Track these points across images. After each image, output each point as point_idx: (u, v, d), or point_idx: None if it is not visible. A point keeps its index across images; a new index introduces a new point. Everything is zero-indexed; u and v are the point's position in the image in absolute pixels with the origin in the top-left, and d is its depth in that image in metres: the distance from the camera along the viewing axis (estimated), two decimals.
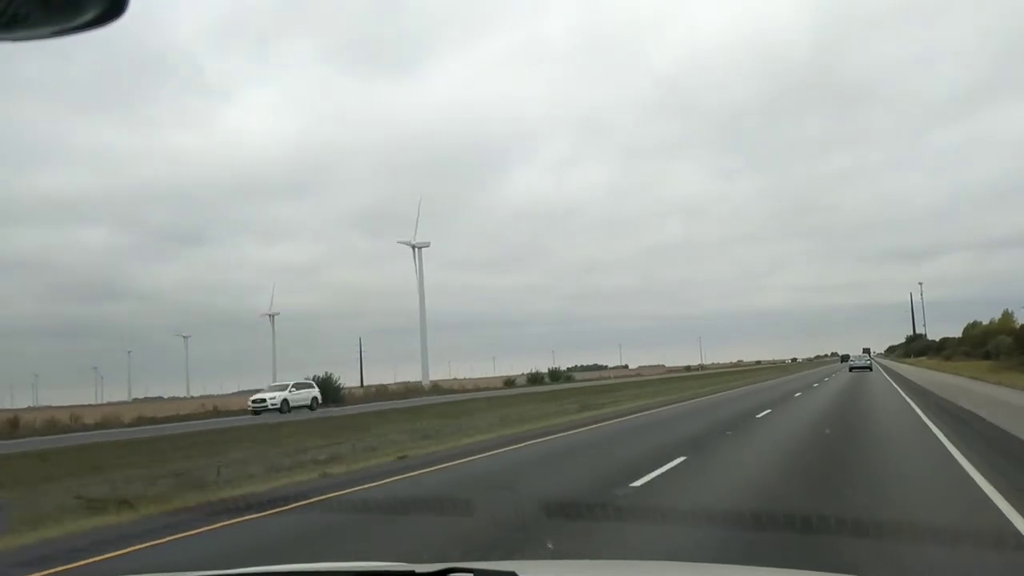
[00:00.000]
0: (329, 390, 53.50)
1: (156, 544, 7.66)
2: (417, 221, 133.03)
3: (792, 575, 2.25)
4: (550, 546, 6.04)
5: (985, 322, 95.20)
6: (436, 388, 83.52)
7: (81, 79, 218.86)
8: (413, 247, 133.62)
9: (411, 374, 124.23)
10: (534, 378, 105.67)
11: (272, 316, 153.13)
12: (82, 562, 7.00)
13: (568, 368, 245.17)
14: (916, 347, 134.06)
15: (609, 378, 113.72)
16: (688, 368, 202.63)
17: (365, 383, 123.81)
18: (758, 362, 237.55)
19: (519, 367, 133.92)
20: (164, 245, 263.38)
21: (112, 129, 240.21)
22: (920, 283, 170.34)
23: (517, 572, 1.71)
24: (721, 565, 2.65)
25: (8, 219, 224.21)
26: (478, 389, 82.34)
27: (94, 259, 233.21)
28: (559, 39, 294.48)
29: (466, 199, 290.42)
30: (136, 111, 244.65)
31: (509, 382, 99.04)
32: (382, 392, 75.36)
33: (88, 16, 0.96)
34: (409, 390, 77.71)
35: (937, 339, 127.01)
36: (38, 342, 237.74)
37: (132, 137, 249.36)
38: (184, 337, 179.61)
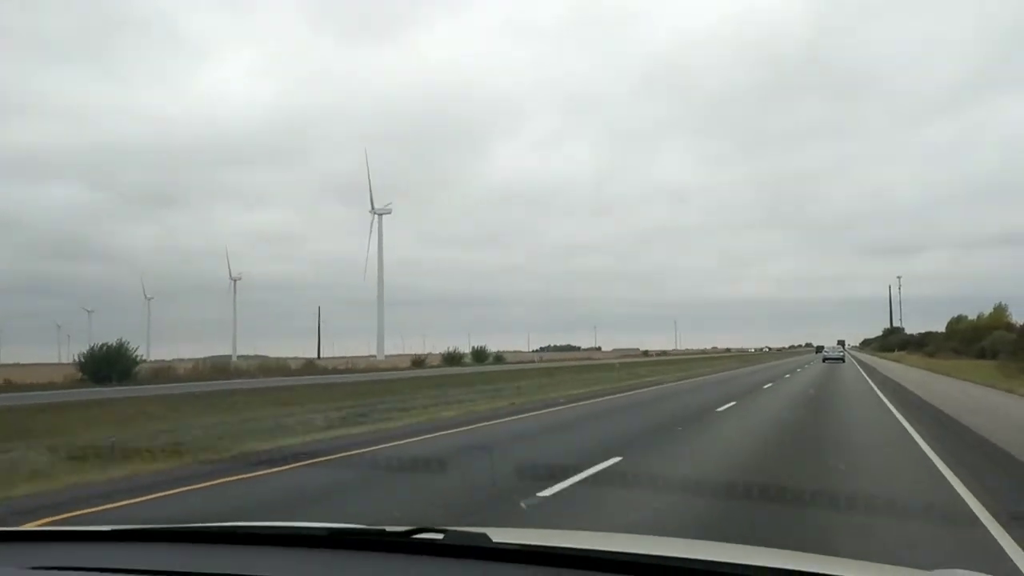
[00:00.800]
0: (114, 362, 42.17)
1: None
2: (370, 185, 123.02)
3: (757, 552, 2.04)
4: (523, 505, 6.94)
5: (972, 317, 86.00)
6: (324, 368, 72.49)
7: (53, 31, 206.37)
8: (373, 214, 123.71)
9: (389, 348, 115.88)
10: (451, 358, 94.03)
11: (234, 281, 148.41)
12: None
13: (541, 348, 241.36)
14: (894, 341, 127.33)
15: (548, 361, 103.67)
16: (646, 353, 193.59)
17: (340, 356, 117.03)
18: (727, 350, 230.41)
19: (495, 345, 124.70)
20: (137, 206, 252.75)
21: (84, 84, 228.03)
22: (899, 276, 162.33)
23: (488, 535, 1.75)
24: (694, 540, 2.17)
25: None
26: (376, 369, 73.54)
27: (65, 217, 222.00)
28: (549, 11, 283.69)
29: (447, 173, 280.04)
30: (109, 67, 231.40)
31: (418, 362, 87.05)
32: (265, 368, 64.30)
33: None
34: (269, 367, 67.40)
35: (915, 334, 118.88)
36: (5, 299, 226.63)
37: (104, 93, 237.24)
38: (148, 299, 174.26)
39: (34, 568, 1.78)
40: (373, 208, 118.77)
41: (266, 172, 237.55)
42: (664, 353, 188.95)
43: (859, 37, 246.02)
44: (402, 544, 1.83)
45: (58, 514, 7.51)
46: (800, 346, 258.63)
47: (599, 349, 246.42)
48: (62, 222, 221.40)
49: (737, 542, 2.20)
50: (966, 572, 1.83)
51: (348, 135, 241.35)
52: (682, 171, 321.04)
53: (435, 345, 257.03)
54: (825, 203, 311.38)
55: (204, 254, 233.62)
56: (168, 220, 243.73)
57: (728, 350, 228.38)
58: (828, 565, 1.72)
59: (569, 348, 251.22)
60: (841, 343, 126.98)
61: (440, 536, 1.80)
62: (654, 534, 5.38)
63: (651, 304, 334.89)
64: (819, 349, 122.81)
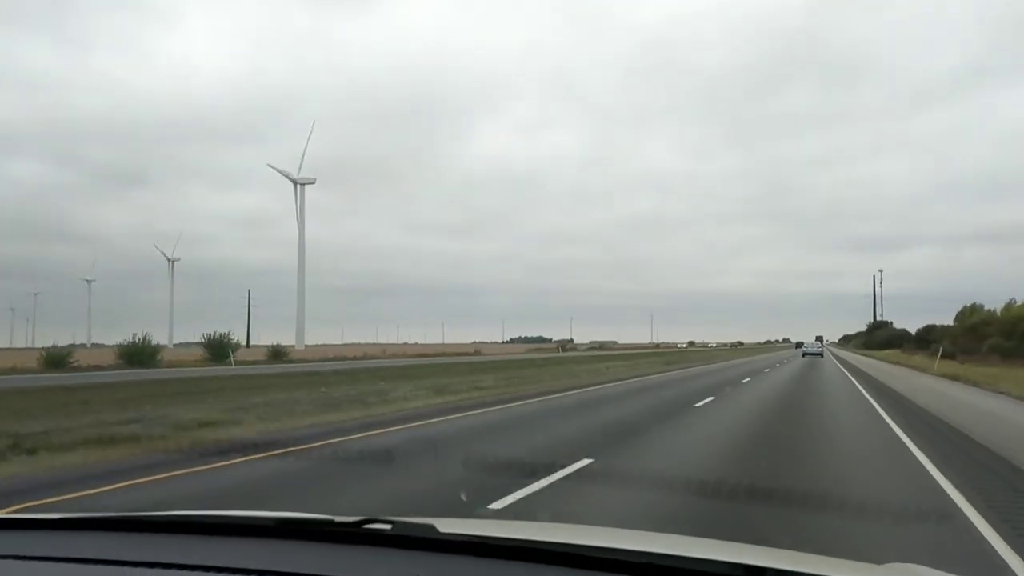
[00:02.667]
0: None
1: None
2: (305, 151, 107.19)
3: (706, 544, 1.85)
4: (463, 497, 6.64)
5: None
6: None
7: None
8: (295, 183, 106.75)
9: (361, 336, 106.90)
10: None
11: (172, 262, 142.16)
12: None
13: (511, 340, 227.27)
14: (880, 337, 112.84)
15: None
16: (602, 345, 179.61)
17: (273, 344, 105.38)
18: (691, 343, 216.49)
19: (470, 335, 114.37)
20: (103, 184, 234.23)
21: (39, 49, 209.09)
22: (880, 270, 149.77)
23: (436, 526, 1.75)
24: (642, 532, 2.21)
25: None
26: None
27: (24, 195, 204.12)
28: None
29: (426, 155, 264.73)
30: (67, 31, 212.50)
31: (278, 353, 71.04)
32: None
33: None
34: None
35: (902, 328, 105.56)
36: None
37: (61, 59, 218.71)
38: (88, 281, 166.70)
39: None
40: (297, 177, 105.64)
41: (239, 150, 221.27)
42: (603, 346, 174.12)
43: (854, 19, 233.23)
44: (350, 535, 1.81)
45: None
46: (777, 341, 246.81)
47: (571, 341, 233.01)
48: (21, 200, 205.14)
49: None
50: (921, 567, 1.85)
51: (324, 112, 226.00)
52: (668, 159, 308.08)
53: (410, 335, 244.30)
54: (811, 195, 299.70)
55: (170, 237, 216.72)
56: (137, 200, 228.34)
57: (691, 343, 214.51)
58: (776, 558, 1.67)
59: (541, 340, 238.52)
60: (819, 339, 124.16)
61: (388, 527, 1.77)
62: None
63: (630, 296, 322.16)
64: (798, 345, 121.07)
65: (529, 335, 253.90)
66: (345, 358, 70.38)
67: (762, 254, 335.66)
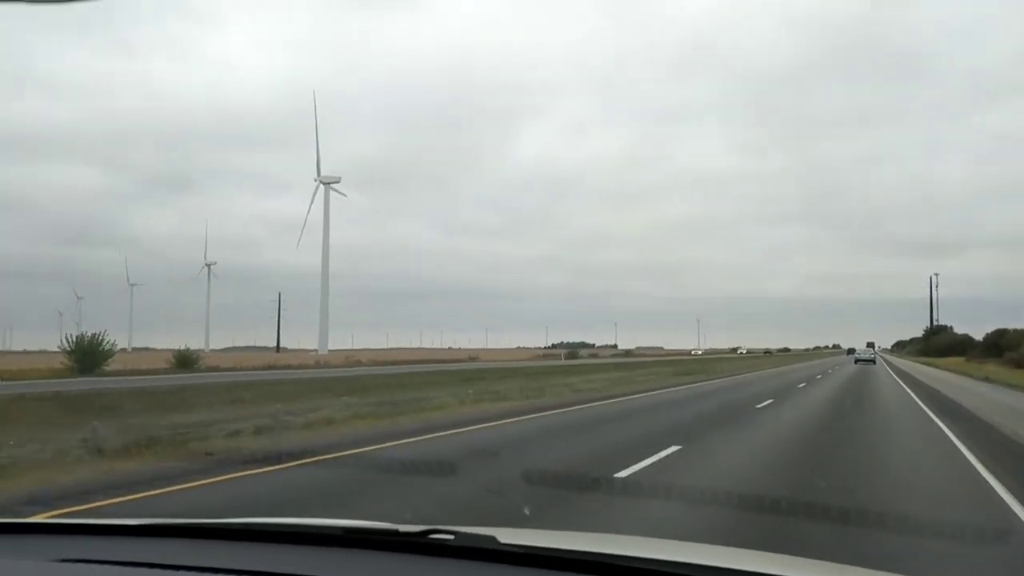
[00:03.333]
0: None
1: None
2: (318, 150, 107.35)
3: (756, 556, 1.92)
4: (526, 512, 6.46)
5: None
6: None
7: None
8: (319, 183, 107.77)
9: (406, 340, 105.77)
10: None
11: (209, 266, 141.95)
12: None
13: (554, 345, 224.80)
14: (939, 343, 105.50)
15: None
16: (629, 352, 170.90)
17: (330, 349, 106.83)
18: (734, 349, 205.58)
19: (515, 340, 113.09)
20: (151, 190, 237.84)
21: (87, 56, 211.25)
22: (936, 273, 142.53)
23: (497, 537, 1.78)
24: (707, 545, 2.33)
25: None
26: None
27: (75, 200, 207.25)
28: None
29: (469, 158, 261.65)
30: (111, 35, 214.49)
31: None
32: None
33: None
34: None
35: (968, 334, 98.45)
36: (20, 284, 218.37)
37: (107, 64, 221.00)
38: (131, 285, 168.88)
39: (60, 560, 1.79)
40: (319, 176, 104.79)
41: (282, 154, 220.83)
42: (629, 353, 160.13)
43: (912, 13, 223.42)
44: (415, 544, 1.85)
45: None
46: (826, 347, 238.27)
47: (615, 347, 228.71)
48: (69, 205, 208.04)
49: None
50: None
51: (368, 116, 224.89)
52: (714, 159, 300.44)
53: (455, 340, 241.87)
54: (862, 196, 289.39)
55: (215, 241, 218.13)
56: (183, 205, 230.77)
57: (735, 350, 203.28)
58: (808, 569, 1.74)
59: (583, 345, 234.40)
60: (871, 345, 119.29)
61: (451, 537, 1.82)
62: None
63: (675, 300, 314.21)
64: (850, 351, 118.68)
65: (572, 340, 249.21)
66: (332, 365, 65.45)
67: (811, 257, 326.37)
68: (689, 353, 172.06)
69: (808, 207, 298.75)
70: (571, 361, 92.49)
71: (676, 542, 2.08)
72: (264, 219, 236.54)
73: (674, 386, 32.06)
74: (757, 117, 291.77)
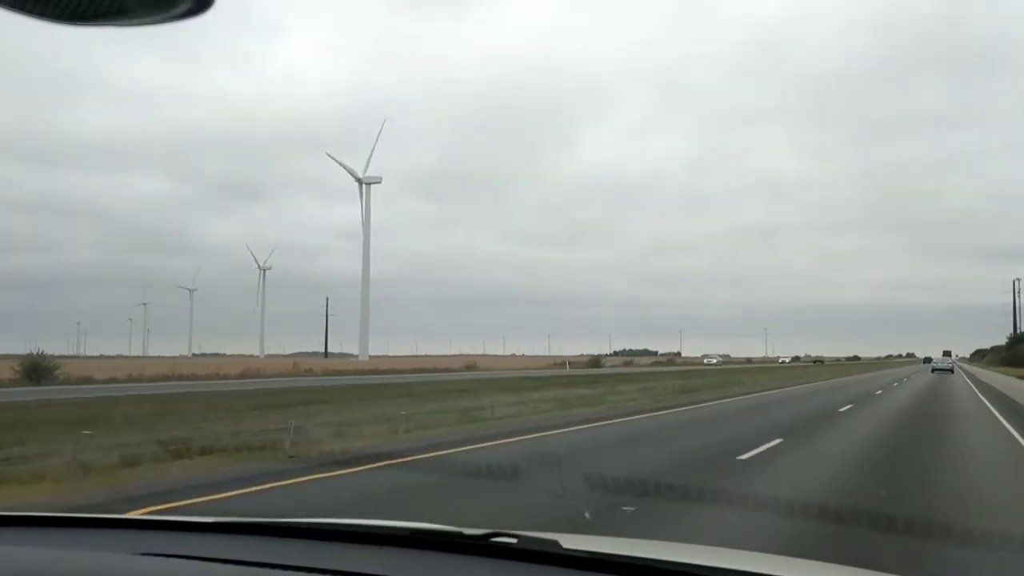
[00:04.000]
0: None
1: None
2: (373, 148, 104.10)
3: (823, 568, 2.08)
4: (587, 515, 6.57)
5: None
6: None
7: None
8: (360, 182, 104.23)
9: (470, 347, 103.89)
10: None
11: (263, 270, 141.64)
12: None
13: (615, 352, 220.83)
14: None
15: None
16: (671, 360, 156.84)
17: (368, 354, 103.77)
18: (795, 358, 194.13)
19: (575, 348, 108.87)
20: (219, 198, 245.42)
21: (151, 64, 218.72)
22: (1018, 279, 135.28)
23: (559, 541, 1.80)
24: (768, 555, 2.16)
25: (59, 160, 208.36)
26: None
27: (149, 208, 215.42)
28: None
29: (530, 165, 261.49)
30: (177, 46, 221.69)
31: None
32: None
33: (181, 9, 1.11)
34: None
35: None
36: (95, 291, 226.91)
37: (172, 74, 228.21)
38: (189, 290, 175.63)
39: (141, 554, 1.87)
40: (363, 176, 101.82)
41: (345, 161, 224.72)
42: (630, 362, 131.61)
43: (990, 9, 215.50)
44: (478, 547, 1.89)
45: None
46: (899, 356, 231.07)
47: (678, 355, 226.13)
48: (139, 214, 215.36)
49: None
50: None
51: (429, 123, 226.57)
52: (781, 164, 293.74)
53: (517, 347, 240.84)
54: (936, 200, 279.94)
55: (282, 248, 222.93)
56: (248, 212, 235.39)
57: (796, 359, 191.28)
58: None
59: (646, 352, 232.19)
60: (947, 354, 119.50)
61: (514, 541, 1.85)
62: None
63: (741, 308, 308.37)
64: (926, 360, 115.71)
65: (635, 347, 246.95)
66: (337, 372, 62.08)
67: (882, 264, 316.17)
68: (749, 361, 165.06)
69: (879, 212, 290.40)
70: (577, 371, 76.28)
71: (738, 551, 2.08)
72: (330, 226, 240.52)
73: (655, 410, 22.87)
74: (824, 120, 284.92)
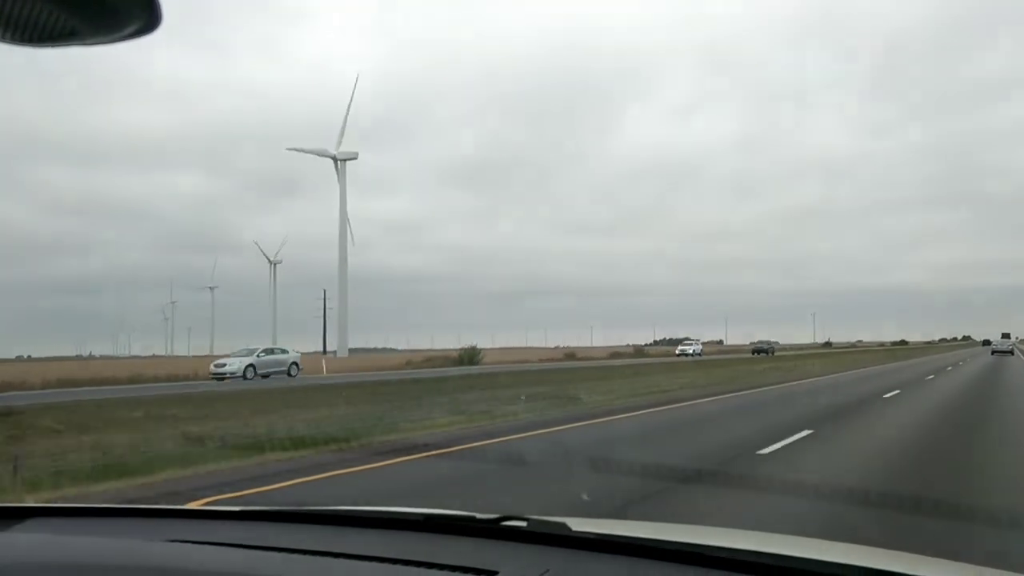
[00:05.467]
0: None
1: None
2: (346, 119, 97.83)
3: (842, 548, 1.93)
4: (585, 497, 6.94)
5: None
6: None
7: None
8: (335, 159, 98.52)
9: (512, 340, 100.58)
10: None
11: (274, 264, 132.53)
12: None
13: (656, 341, 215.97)
14: None
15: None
16: (615, 353, 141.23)
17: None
18: (827, 343, 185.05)
19: (619, 338, 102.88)
20: (255, 193, 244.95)
21: (180, 56, 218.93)
22: None
23: (568, 524, 1.87)
24: (772, 534, 2.29)
25: (99, 159, 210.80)
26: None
27: (190, 206, 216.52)
28: None
29: (573, 150, 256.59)
30: (203, 36, 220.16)
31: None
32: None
33: (131, 29, 1.15)
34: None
35: None
36: (134, 291, 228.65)
37: (203, 66, 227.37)
38: (210, 288, 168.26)
39: (170, 541, 2.00)
40: (337, 151, 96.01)
41: (382, 152, 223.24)
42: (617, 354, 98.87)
43: None
44: (490, 530, 1.98)
45: None
46: (955, 339, 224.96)
47: (720, 343, 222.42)
48: (179, 211, 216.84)
49: None
50: None
51: (466, 108, 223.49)
52: (837, 139, 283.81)
53: (563, 338, 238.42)
54: (1005, 174, 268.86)
55: (318, 244, 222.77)
56: (287, 207, 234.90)
57: (828, 343, 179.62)
58: (891, 561, 1.68)
59: (686, 341, 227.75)
60: (1006, 336, 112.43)
61: (524, 524, 1.92)
62: None
63: (791, 294, 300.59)
64: (986, 343, 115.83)
65: (678, 336, 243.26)
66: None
67: (943, 244, 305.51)
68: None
69: (941, 189, 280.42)
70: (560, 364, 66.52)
71: (748, 531, 2.11)
72: (369, 220, 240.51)
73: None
74: (884, 91, 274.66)
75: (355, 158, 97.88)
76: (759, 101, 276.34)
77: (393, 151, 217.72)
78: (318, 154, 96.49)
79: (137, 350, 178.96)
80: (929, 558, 1.80)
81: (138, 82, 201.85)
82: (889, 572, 1.56)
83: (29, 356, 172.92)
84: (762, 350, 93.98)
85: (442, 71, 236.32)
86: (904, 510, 7.04)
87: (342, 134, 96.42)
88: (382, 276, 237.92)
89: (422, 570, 1.76)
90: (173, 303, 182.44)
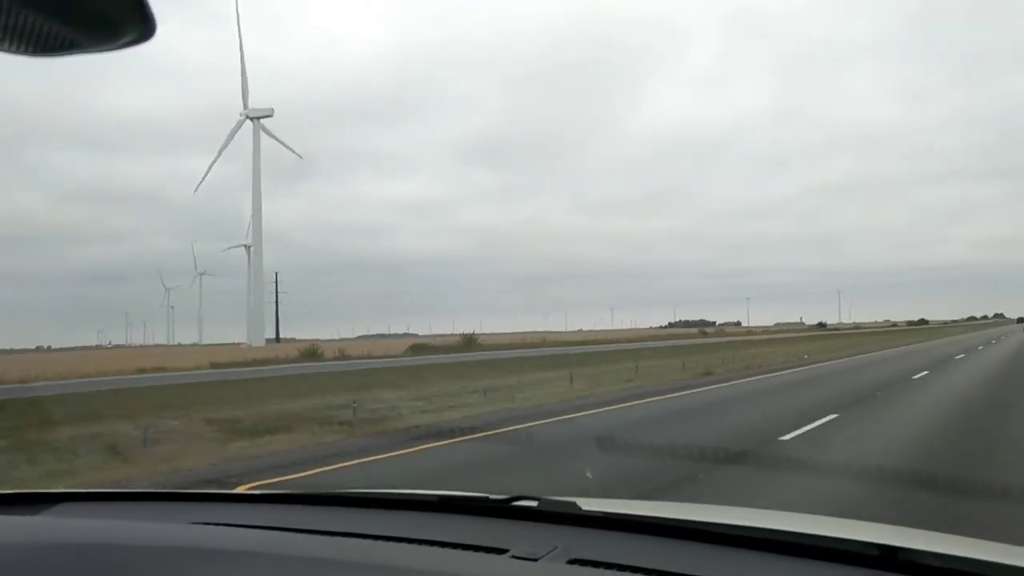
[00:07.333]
0: None
1: None
2: (243, 73, 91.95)
3: (838, 523, 2.01)
4: (588, 475, 7.40)
5: None
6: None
7: None
8: (248, 118, 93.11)
9: (533, 324, 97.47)
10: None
11: (248, 248, 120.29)
12: None
13: (671, 324, 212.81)
14: None
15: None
16: (705, 332, 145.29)
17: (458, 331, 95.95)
18: (829, 325, 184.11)
19: (640, 320, 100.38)
20: (269, 176, 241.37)
21: (188, 34, 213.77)
22: None
23: (578, 503, 1.95)
24: (777, 512, 2.29)
25: (106, 145, 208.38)
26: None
27: (208, 191, 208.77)
28: None
29: (593, 126, 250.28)
30: (211, 13, 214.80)
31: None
32: None
33: (127, 39, 1.15)
34: None
35: None
36: (143, 282, 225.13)
37: (210, 45, 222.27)
38: (199, 275, 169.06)
39: (194, 523, 2.10)
40: (247, 109, 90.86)
41: (398, 130, 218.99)
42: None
43: None
44: (502, 509, 2.07)
45: None
46: (984, 317, 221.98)
47: (738, 324, 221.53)
48: (190, 198, 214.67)
49: None
50: None
51: (484, 82, 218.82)
52: (874, 108, 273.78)
53: (583, 322, 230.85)
54: None
55: (337, 228, 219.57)
56: (302, 190, 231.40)
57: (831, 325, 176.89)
58: (911, 538, 1.67)
59: (704, 323, 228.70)
60: None
61: (535, 503, 2.01)
62: None
63: (821, 272, 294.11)
64: (1020, 320, 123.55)
65: (696, 319, 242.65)
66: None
67: (985, 218, 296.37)
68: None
69: (986, 159, 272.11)
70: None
71: (754, 510, 2.18)
72: (385, 201, 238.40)
73: None
74: (924, 53, 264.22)
75: (271, 115, 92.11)
76: (789, 68, 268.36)
77: (408, 129, 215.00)
78: (237, 123, 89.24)
79: (160, 339, 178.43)
80: (947, 535, 1.78)
81: (150, 63, 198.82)
82: (904, 548, 1.55)
83: (49, 347, 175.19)
84: None
85: (458, 48, 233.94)
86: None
87: (246, 91, 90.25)
88: (405, 261, 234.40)
89: (436, 548, 1.82)
90: (169, 289, 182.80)
